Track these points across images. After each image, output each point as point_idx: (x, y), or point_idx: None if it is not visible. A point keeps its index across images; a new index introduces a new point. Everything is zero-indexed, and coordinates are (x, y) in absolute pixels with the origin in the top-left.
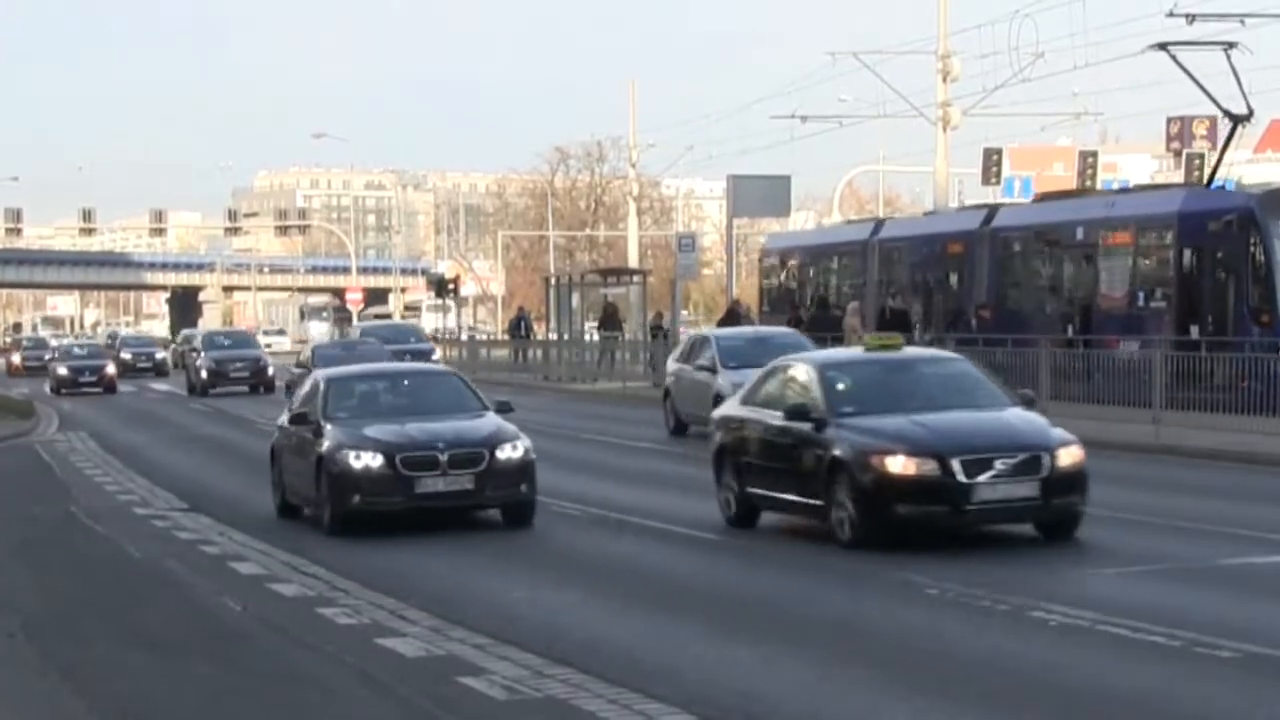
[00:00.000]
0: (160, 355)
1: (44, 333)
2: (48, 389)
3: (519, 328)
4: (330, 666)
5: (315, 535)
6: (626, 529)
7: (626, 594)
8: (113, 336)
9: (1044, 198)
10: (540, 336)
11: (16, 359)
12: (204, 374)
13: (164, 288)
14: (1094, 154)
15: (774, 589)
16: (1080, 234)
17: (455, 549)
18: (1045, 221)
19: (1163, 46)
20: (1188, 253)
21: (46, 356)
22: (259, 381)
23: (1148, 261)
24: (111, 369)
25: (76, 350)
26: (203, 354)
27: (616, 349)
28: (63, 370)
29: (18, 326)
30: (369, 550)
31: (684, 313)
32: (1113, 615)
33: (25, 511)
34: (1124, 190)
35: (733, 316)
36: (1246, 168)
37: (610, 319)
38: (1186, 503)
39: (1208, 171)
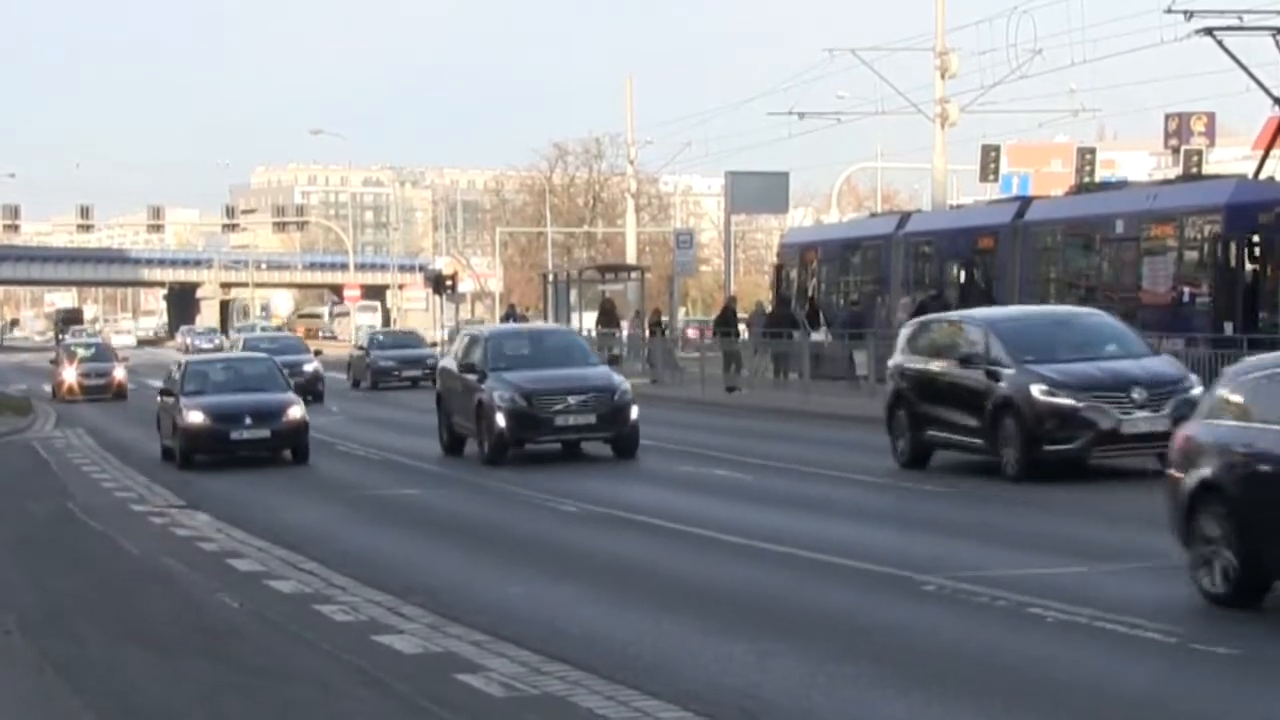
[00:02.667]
0: (310, 367)
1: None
2: (160, 448)
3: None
4: (327, 663)
5: (316, 532)
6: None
7: (623, 590)
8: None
9: (1079, 190)
10: None
11: (70, 376)
12: (503, 422)
13: (161, 284)
14: (1092, 151)
15: (771, 585)
16: (1120, 227)
17: (452, 545)
18: (1082, 214)
19: (1208, 32)
20: (1235, 245)
21: (119, 374)
22: (626, 434)
23: (1193, 255)
24: (299, 410)
25: (215, 372)
26: (490, 378)
27: (614, 345)
28: (196, 416)
29: (15, 323)
30: (367, 547)
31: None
32: (1110, 612)
33: (22, 508)
34: (1166, 182)
35: (729, 313)
36: (1246, 164)
37: (608, 315)
38: None
39: (1205, 167)
